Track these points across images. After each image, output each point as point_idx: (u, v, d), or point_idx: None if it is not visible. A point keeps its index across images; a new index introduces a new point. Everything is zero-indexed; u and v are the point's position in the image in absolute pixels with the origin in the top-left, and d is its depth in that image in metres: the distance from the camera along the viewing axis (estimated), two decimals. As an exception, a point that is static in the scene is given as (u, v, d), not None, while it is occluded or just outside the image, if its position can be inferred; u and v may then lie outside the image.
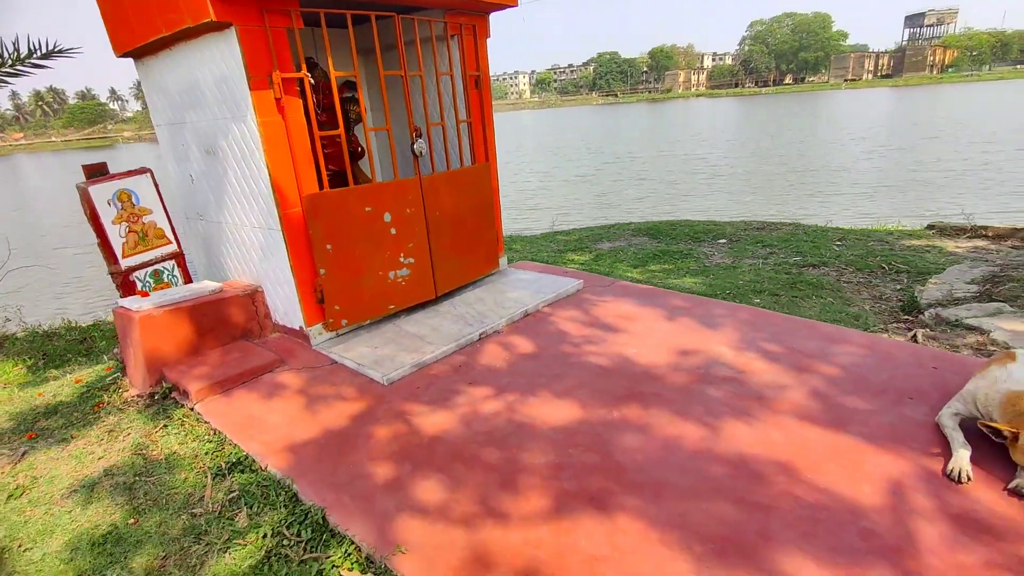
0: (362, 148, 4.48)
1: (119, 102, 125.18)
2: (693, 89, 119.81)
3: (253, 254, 3.72)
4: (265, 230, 3.51)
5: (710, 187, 16.94)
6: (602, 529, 2.04)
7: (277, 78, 3.19)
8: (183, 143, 3.90)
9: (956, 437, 2.32)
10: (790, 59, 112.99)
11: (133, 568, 2.16)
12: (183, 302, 3.43)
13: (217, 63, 3.27)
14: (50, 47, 5.26)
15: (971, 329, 3.83)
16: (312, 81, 3.43)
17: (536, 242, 8.77)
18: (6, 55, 5.29)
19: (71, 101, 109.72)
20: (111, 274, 3.59)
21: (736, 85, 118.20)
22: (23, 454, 3.02)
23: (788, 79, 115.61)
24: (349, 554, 2.05)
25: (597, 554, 1.93)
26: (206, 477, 2.60)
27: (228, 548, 2.19)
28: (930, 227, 7.48)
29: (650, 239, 8.25)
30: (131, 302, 3.41)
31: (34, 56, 5.31)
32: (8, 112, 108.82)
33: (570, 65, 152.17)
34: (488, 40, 4.37)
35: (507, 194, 18.92)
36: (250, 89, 3.14)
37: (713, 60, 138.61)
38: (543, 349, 3.46)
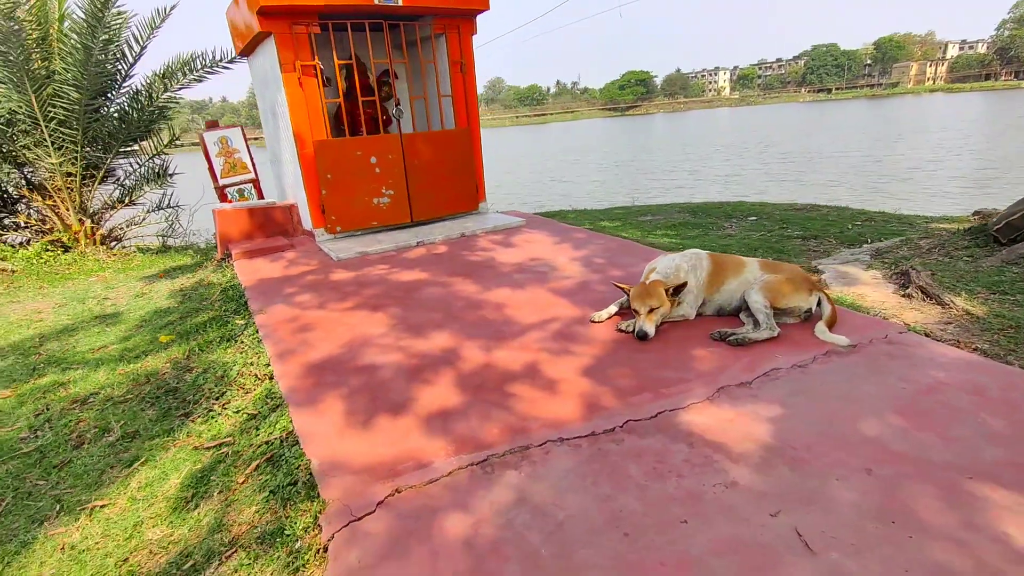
0: (388, 116, 6.25)
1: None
2: (927, 83, 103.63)
3: (292, 180, 5.70)
4: (294, 164, 5.45)
5: (846, 188, 15.89)
6: (365, 315, 3.51)
7: (297, 66, 5.07)
8: (266, 109, 6.03)
9: (617, 301, 3.32)
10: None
11: (168, 320, 4.16)
12: (245, 207, 5.52)
13: (269, 57, 5.25)
14: (231, 57, 7.90)
15: (818, 272, 4.39)
16: (321, 67, 5.26)
17: (591, 212, 9.84)
18: (208, 59, 8.08)
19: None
20: (214, 188, 5.84)
21: (987, 77, 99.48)
22: (153, 281, 5.34)
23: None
24: (245, 315, 3.80)
25: (350, 323, 3.42)
26: (216, 290, 4.57)
27: (202, 314, 4.09)
28: (975, 213, 7.04)
29: (689, 215, 8.84)
30: (219, 206, 5.59)
31: (223, 62, 8.02)
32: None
33: (778, 59, 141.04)
34: (473, 36, 5.84)
35: (638, 187, 19.77)
36: (282, 72, 5.06)
37: (960, 49, 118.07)
38: (450, 252, 4.90)
